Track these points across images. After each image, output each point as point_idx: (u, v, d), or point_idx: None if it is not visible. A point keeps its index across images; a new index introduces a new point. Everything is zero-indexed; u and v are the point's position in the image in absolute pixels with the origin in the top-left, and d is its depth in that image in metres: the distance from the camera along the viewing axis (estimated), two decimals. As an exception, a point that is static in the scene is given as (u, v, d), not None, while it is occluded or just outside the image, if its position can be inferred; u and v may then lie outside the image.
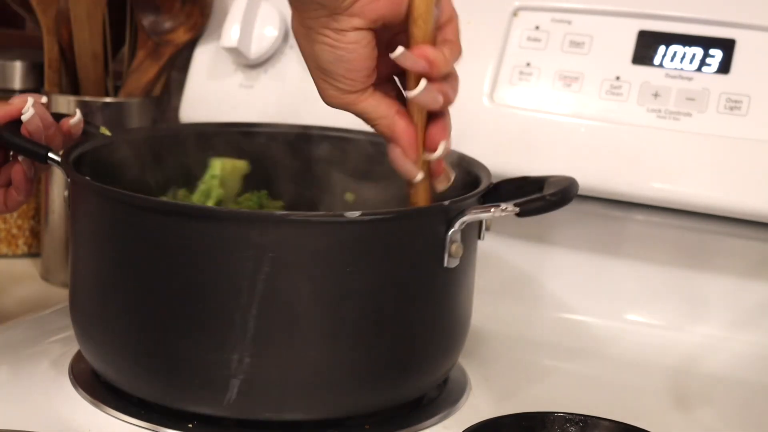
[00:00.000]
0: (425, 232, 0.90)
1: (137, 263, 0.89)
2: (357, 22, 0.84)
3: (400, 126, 0.88)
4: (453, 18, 0.88)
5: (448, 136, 0.89)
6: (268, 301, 0.86)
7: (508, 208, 0.89)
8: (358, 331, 0.88)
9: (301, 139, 1.08)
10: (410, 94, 0.86)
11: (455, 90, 0.88)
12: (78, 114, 1.00)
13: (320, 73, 0.87)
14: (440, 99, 0.87)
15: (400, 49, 0.84)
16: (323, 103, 0.90)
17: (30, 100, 0.96)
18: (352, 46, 0.85)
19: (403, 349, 0.91)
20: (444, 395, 0.98)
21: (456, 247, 0.90)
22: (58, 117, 1.00)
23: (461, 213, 0.90)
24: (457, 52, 0.87)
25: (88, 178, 0.92)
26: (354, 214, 0.85)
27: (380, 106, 0.88)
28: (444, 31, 0.87)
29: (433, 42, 0.86)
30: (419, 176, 0.90)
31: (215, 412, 0.89)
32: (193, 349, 0.87)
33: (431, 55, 0.85)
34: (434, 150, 0.88)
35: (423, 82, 0.85)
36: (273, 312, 0.86)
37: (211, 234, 0.86)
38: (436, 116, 0.89)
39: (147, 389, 0.91)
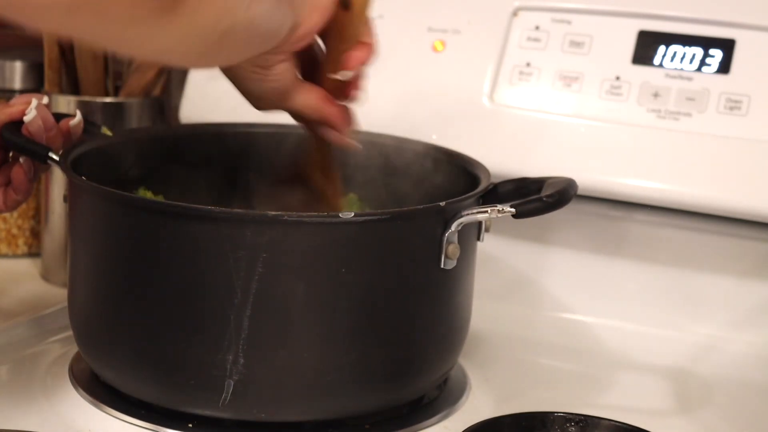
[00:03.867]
0: (421, 233, 0.89)
1: (131, 263, 0.89)
2: (281, 56, 0.88)
3: (329, 111, 0.93)
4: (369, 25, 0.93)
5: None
6: (262, 301, 0.86)
7: (505, 209, 0.89)
8: (353, 333, 0.88)
9: (301, 140, 1.08)
10: (339, 76, 0.91)
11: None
12: (78, 115, 1.00)
13: (252, 97, 0.92)
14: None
15: (347, 74, 0.91)
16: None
17: (33, 101, 0.97)
18: (280, 75, 0.89)
19: (400, 351, 0.91)
20: (444, 395, 0.98)
21: (453, 248, 0.90)
22: (59, 117, 1.00)
23: (458, 214, 0.89)
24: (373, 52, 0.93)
25: (84, 177, 0.92)
26: (348, 215, 0.85)
27: (307, 100, 0.92)
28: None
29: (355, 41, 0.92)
30: (357, 146, 0.95)
31: (211, 413, 0.89)
32: (188, 350, 0.87)
33: (365, 58, 0.91)
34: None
35: (348, 74, 0.91)
36: (267, 312, 0.86)
37: (205, 234, 0.86)
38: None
39: (143, 390, 0.91)
